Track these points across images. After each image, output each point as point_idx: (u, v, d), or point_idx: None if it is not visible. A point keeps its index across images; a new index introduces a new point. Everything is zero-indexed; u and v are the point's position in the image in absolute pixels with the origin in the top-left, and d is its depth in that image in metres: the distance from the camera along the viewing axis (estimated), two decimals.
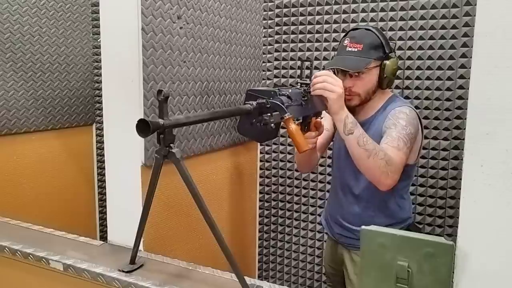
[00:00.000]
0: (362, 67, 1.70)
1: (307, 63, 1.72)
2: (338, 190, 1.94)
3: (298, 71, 1.75)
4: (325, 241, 2.60)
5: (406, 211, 1.88)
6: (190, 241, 1.85)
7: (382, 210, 1.81)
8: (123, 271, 1.35)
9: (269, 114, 1.48)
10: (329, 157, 2.42)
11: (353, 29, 1.81)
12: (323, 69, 2.44)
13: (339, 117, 1.61)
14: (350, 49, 1.74)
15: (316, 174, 2.59)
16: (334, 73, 1.83)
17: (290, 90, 1.63)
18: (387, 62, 1.73)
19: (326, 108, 1.70)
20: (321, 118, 1.77)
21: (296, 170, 2.64)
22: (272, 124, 1.48)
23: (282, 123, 1.55)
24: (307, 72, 1.73)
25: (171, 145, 1.18)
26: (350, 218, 1.88)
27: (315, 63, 2.52)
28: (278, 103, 1.53)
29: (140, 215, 1.32)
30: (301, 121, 1.67)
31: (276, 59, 2.64)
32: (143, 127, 1.07)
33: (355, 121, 1.61)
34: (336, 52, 1.85)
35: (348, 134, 1.59)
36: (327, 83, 1.59)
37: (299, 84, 1.72)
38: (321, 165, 2.51)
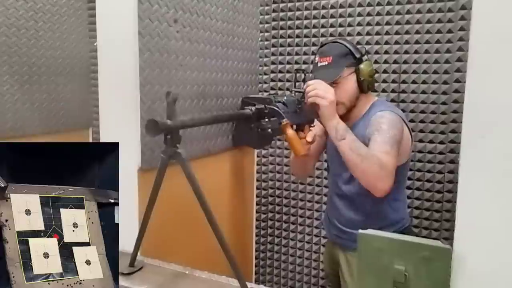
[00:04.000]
0: (335, 77, 1.74)
1: (302, 75, 1.77)
2: (333, 195, 1.96)
3: (296, 75, 1.78)
4: (322, 245, 2.60)
5: (400, 212, 1.88)
6: (189, 245, 1.85)
7: (376, 213, 1.81)
8: (121, 274, 1.35)
9: (267, 119, 1.50)
10: (325, 161, 2.42)
11: (321, 45, 1.87)
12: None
13: (331, 123, 1.65)
14: (321, 64, 1.79)
15: (313, 178, 2.59)
16: None
17: (285, 98, 1.68)
18: (361, 66, 1.77)
19: (318, 116, 1.74)
20: (314, 126, 1.79)
21: (293, 174, 2.64)
22: (269, 130, 1.50)
23: (279, 129, 1.58)
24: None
25: (177, 145, 1.20)
26: (345, 222, 1.89)
27: (311, 67, 2.52)
28: (276, 109, 1.56)
29: (138, 217, 1.32)
30: (295, 128, 1.69)
31: (272, 63, 2.64)
32: (151, 126, 1.09)
33: (346, 127, 1.65)
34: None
35: (341, 140, 1.62)
36: (319, 90, 1.64)
37: (293, 92, 1.77)
38: (317, 169, 2.52)
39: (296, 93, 1.75)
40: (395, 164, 1.64)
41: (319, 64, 1.79)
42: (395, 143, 1.66)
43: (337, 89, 1.73)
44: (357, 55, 1.77)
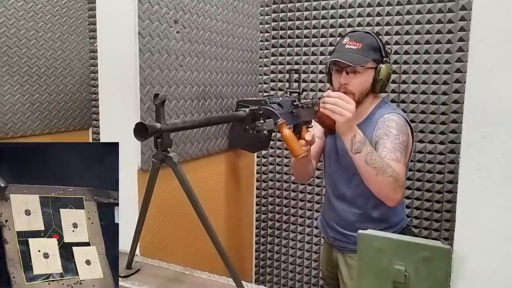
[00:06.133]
0: (362, 63, 1.72)
1: (295, 75, 1.76)
2: (331, 197, 1.94)
3: (295, 76, 1.77)
4: (321, 245, 2.60)
5: (399, 214, 1.88)
6: (187, 246, 1.85)
7: (375, 215, 1.81)
8: (119, 276, 1.35)
9: (262, 121, 1.49)
10: None
11: (352, 31, 1.84)
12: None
13: (346, 137, 1.60)
14: (349, 46, 1.75)
15: (313, 178, 2.59)
16: (329, 71, 1.86)
17: (280, 99, 1.66)
18: (382, 65, 1.75)
19: (316, 117, 1.74)
20: (311, 126, 1.78)
21: (294, 177, 2.63)
22: (265, 131, 1.48)
23: (274, 130, 1.57)
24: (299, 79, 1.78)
25: (168, 149, 1.18)
26: (344, 224, 1.88)
27: (311, 67, 2.53)
28: (271, 109, 1.55)
29: (137, 219, 1.32)
30: (292, 128, 1.68)
31: (272, 63, 2.64)
32: (140, 130, 1.07)
33: (363, 140, 1.59)
34: (333, 50, 1.86)
35: (356, 153, 1.57)
36: (338, 106, 1.56)
37: (288, 92, 1.75)
38: (318, 169, 2.51)
39: (291, 94, 1.74)
40: (405, 171, 1.65)
41: (346, 46, 1.75)
42: (404, 149, 1.66)
43: (353, 78, 1.73)
44: (383, 54, 1.77)
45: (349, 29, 2.38)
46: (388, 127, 1.69)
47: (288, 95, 1.73)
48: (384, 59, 1.77)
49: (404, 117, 1.75)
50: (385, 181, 1.55)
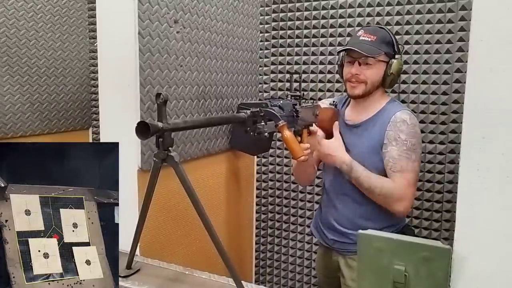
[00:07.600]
0: (376, 54, 1.75)
1: (295, 76, 1.76)
2: (331, 194, 1.93)
3: (295, 76, 1.77)
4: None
5: None
6: (187, 246, 1.85)
7: (377, 213, 1.80)
8: (119, 276, 1.35)
9: (263, 123, 1.49)
10: None
11: (367, 25, 1.91)
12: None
13: (336, 165, 1.78)
14: (363, 38, 1.79)
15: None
16: (341, 63, 1.88)
17: (281, 101, 1.67)
18: (394, 60, 1.78)
19: (316, 121, 1.77)
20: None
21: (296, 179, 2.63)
22: (266, 134, 1.49)
23: (276, 132, 1.58)
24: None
25: (170, 148, 1.19)
26: (344, 222, 1.87)
27: (311, 67, 2.53)
28: (272, 111, 1.55)
29: (138, 217, 1.32)
30: (293, 131, 1.68)
31: (272, 63, 2.64)
32: (142, 129, 1.07)
33: (349, 168, 1.74)
34: (347, 43, 1.89)
35: (346, 175, 1.75)
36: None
37: (289, 96, 1.77)
38: (318, 169, 2.51)
39: (293, 97, 1.75)
40: (411, 178, 1.72)
41: (361, 38, 1.79)
42: (412, 153, 1.71)
43: (364, 69, 1.75)
44: (396, 49, 1.80)
45: (349, 29, 2.38)
46: (398, 130, 1.72)
47: (289, 98, 1.74)
48: (396, 54, 1.80)
49: (415, 117, 1.79)
50: (375, 198, 1.71)
